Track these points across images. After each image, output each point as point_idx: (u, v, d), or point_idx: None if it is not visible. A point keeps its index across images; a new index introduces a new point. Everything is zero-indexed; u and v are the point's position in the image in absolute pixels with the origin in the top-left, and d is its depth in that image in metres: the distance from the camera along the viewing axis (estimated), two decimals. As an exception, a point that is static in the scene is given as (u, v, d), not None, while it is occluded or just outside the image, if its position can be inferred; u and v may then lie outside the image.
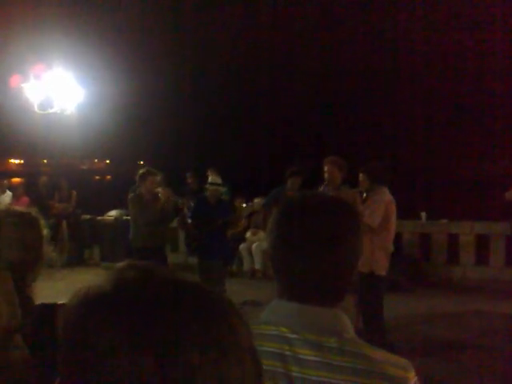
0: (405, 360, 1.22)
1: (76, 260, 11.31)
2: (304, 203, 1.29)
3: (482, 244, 9.68)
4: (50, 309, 1.46)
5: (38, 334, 1.35)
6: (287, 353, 1.18)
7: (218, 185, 7.78)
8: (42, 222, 1.88)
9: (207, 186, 7.82)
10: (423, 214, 10.22)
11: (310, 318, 1.21)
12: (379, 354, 1.20)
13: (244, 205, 9.13)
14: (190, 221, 8.03)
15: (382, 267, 5.62)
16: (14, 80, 12.84)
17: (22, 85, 12.55)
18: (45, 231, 1.84)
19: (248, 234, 10.47)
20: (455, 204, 15.73)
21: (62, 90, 12.77)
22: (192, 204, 8.91)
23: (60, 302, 1.51)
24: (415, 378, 1.20)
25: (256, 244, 10.17)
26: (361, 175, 5.96)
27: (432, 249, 9.98)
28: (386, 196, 5.80)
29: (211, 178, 8.00)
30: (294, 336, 1.19)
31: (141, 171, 7.52)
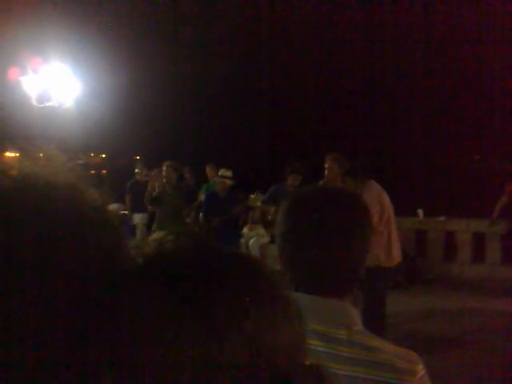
0: (413, 353, 1.23)
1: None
2: (312, 196, 1.31)
3: (479, 241, 9.72)
4: None
5: None
6: None
7: (225, 177, 7.95)
8: None
9: (215, 179, 8.04)
10: (420, 212, 10.25)
11: (319, 309, 1.22)
12: (388, 347, 1.21)
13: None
14: (201, 215, 8.24)
15: (386, 259, 5.59)
16: (12, 73, 12.81)
17: (20, 78, 12.51)
18: None
19: (245, 230, 10.48)
20: (452, 201, 15.76)
21: (59, 83, 12.74)
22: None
23: None
24: (423, 371, 1.20)
25: (253, 239, 10.17)
26: (346, 177, 5.94)
27: (429, 246, 10.01)
28: (374, 189, 5.72)
29: (222, 171, 8.18)
30: None
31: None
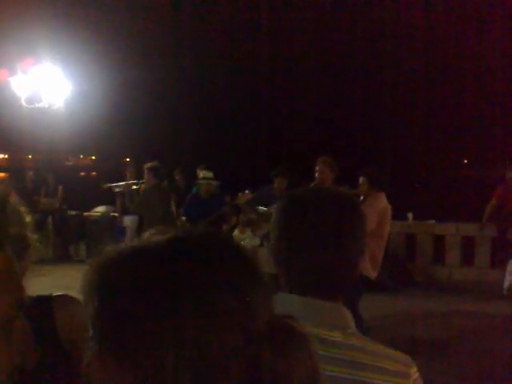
0: (407, 356, 1.23)
1: (61, 256, 11.24)
2: (308, 197, 1.29)
3: (468, 245, 9.77)
4: (48, 301, 1.42)
5: (35, 328, 1.32)
6: None
7: (210, 179, 7.85)
8: (23, 208, 1.83)
9: (199, 181, 7.91)
10: (410, 215, 10.28)
11: (313, 311, 1.21)
12: (381, 349, 1.20)
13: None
14: (184, 218, 8.12)
15: (365, 268, 5.63)
16: (1, 74, 12.72)
17: (10, 78, 12.44)
18: (27, 218, 1.79)
19: (236, 232, 10.45)
20: (442, 205, 15.83)
21: (49, 84, 12.67)
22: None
23: (57, 294, 1.47)
24: (417, 374, 1.21)
25: (244, 242, 10.15)
26: (361, 178, 5.98)
27: (418, 249, 10.04)
28: (381, 202, 5.79)
29: (203, 173, 8.08)
30: None
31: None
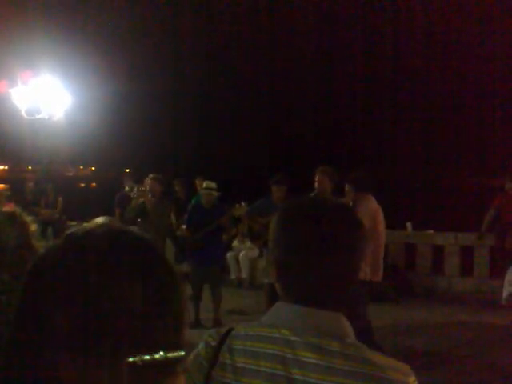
0: (405, 365, 1.23)
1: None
2: (313, 208, 1.30)
3: (467, 255, 9.77)
4: None
5: None
6: (288, 355, 1.19)
7: (212, 189, 7.87)
8: (29, 218, 1.86)
9: (201, 190, 7.94)
10: (409, 225, 10.30)
11: (312, 320, 1.22)
12: (380, 359, 1.21)
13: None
14: (185, 227, 8.15)
15: (369, 273, 5.64)
16: (2, 85, 12.78)
17: (10, 90, 12.50)
18: (33, 227, 1.81)
19: (235, 243, 10.46)
20: (441, 215, 15.85)
21: (49, 95, 12.73)
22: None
23: None
24: (415, 383, 1.22)
25: (243, 252, 10.16)
26: (346, 186, 6.01)
27: (417, 259, 10.04)
28: (372, 205, 5.83)
29: (206, 183, 8.10)
30: (295, 339, 1.20)
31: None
